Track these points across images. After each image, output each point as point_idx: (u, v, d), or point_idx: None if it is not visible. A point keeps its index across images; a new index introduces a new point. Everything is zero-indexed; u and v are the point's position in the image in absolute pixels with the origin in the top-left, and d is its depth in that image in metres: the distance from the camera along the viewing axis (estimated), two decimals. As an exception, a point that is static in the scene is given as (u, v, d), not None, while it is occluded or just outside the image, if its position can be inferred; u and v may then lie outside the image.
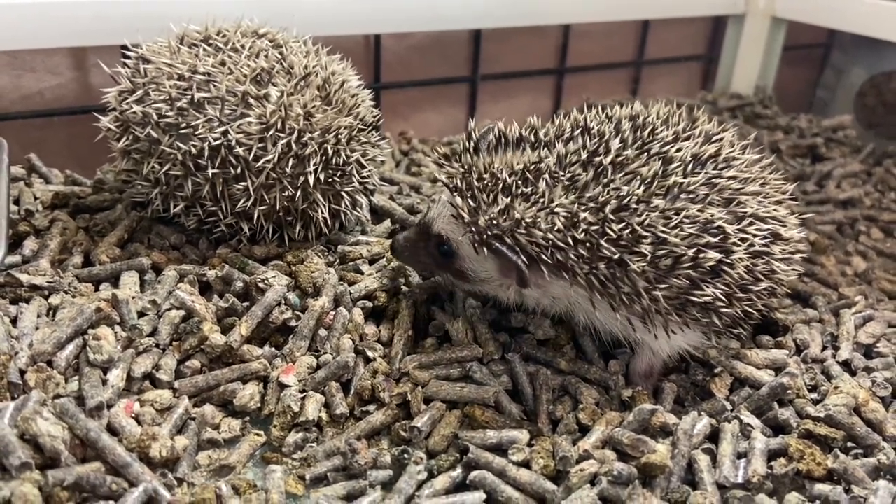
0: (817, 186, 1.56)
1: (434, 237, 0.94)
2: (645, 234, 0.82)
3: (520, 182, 0.86)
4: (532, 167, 0.87)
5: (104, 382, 0.84)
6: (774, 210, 0.96)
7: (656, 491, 0.77)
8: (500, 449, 0.82)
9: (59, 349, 0.87)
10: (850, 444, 0.86)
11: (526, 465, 0.81)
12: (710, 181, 0.88)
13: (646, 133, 0.91)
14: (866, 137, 1.87)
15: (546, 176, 0.86)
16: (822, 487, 0.79)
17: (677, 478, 0.80)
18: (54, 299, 0.95)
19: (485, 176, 0.88)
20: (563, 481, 0.79)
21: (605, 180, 0.85)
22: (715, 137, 0.96)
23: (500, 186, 0.87)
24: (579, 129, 0.92)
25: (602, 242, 0.82)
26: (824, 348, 1.04)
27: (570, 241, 0.83)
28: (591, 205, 0.83)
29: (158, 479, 0.77)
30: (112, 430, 0.81)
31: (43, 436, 0.74)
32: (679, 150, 0.89)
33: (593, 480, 0.78)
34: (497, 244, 0.85)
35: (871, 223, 1.45)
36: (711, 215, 0.86)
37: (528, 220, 0.84)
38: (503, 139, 0.93)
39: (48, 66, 1.35)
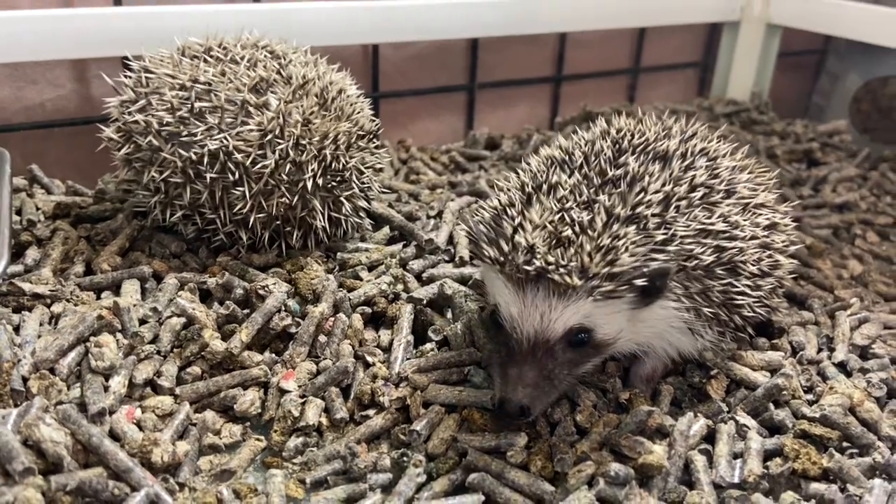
0: (813, 191, 1.57)
1: (560, 338, 0.82)
2: (745, 246, 0.90)
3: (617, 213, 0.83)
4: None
5: (106, 389, 0.85)
6: (765, 196, 0.99)
7: (653, 491, 0.78)
8: (499, 451, 0.83)
9: (61, 356, 0.88)
10: (845, 444, 0.87)
11: (524, 466, 0.82)
12: (715, 175, 0.93)
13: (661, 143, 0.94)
14: (861, 142, 1.88)
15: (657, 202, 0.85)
16: (817, 486, 0.80)
17: (674, 478, 0.81)
18: (56, 307, 0.96)
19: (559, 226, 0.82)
20: (560, 483, 0.80)
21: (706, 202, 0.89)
22: (691, 133, 1.01)
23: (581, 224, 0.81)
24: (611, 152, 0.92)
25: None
26: (820, 350, 1.05)
27: (699, 257, 0.85)
28: (699, 226, 0.87)
29: (160, 483, 0.78)
30: (114, 436, 0.81)
31: (45, 441, 0.75)
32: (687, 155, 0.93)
33: (591, 481, 0.79)
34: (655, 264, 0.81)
35: (866, 227, 1.46)
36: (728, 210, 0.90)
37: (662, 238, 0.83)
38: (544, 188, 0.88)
39: (49, 78, 1.36)
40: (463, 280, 1.08)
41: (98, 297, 1.01)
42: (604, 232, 0.80)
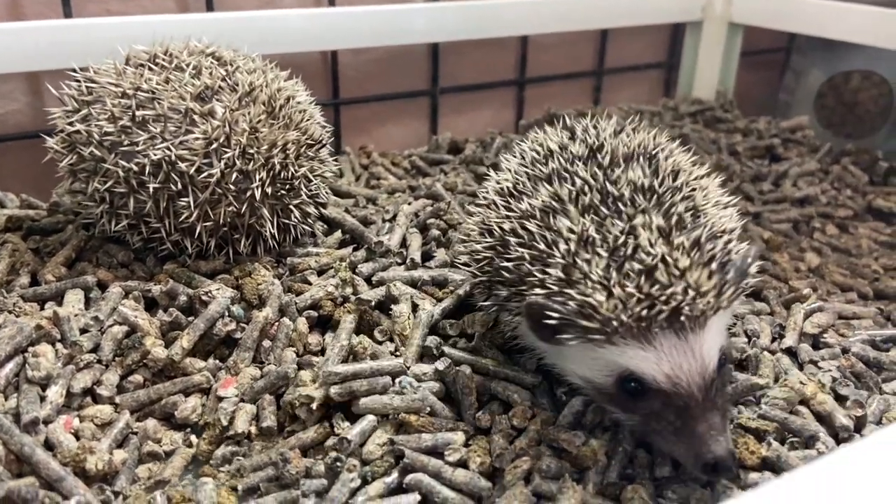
0: (773, 186, 1.58)
1: (717, 369, 0.75)
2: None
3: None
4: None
5: (42, 399, 0.85)
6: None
7: (588, 485, 0.78)
8: (437, 452, 0.82)
9: (-2, 367, 0.87)
10: (791, 437, 0.87)
11: (463, 464, 0.81)
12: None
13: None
14: (825, 138, 1.89)
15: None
16: (753, 476, 0.80)
17: (616, 473, 0.81)
18: (-2, 319, 0.96)
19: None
20: (498, 479, 0.79)
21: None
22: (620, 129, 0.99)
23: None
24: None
25: None
26: (773, 339, 1.05)
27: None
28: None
29: (95, 492, 0.77)
30: (49, 446, 0.81)
31: (-24, 452, 0.75)
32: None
33: (528, 477, 0.79)
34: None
35: (826, 220, 1.46)
36: None
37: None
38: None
39: (3, 92, 1.36)
40: (413, 283, 1.08)
41: (42, 308, 1.00)
42: (686, 247, 0.75)
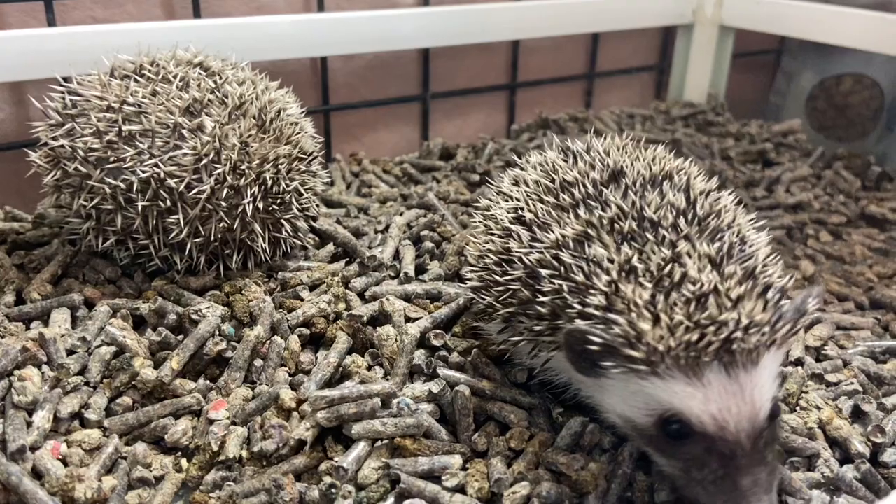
0: (767, 192, 1.57)
1: (769, 417, 0.70)
2: None
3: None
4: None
5: (29, 424, 0.83)
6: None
7: (589, 510, 0.76)
8: (433, 476, 0.81)
9: (-17, 392, 0.85)
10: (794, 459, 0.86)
11: (461, 489, 0.80)
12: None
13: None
14: (817, 141, 1.89)
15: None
16: (756, 499, 0.79)
17: (616, 497, 0.79)
18: (-18, 341, 0.94)
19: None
20: (496, 505, 0.78)
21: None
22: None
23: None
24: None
25: None
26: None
27: None
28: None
29: (84, 522, 0.75)
30: (37, 474, 0.79)
31: (-40, 483, 0.73)
32: None
33: (527, 503, 0.77)
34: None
35: (819, 226, 1.46)
36: None
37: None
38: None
39: (-14, 102, 1.33)
40: (406, 297, 1.06)
41: (27, 328, 0.98)
42: (738, 277, 0.71)
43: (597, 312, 0.72)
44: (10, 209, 1.29)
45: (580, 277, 0.76)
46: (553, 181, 0.89)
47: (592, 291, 0.74)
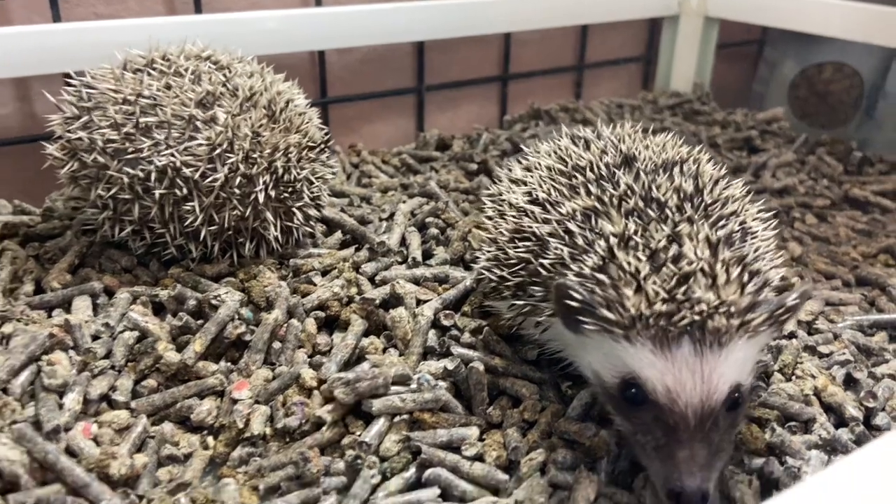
0: (753, 177, 1.62)
1: (724, 401, 0.72)
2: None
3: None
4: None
5: (60, 406, 0.86)
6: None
7: (601, 474, 0.81)
8: (452, 447, 0.85)
9: (13, 376, 0.87)
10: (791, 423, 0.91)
11: (479, 458, 0.84)
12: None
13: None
14: (799, 128, 1.95)
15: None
16: (758, 461, 0.84)
17: (627, 462, 0.84)
18: (7, 328, 0.96)
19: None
20: (514, 471, 0.82)
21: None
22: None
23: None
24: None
25: None
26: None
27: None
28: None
29: (120, 497, 0.78)
30: (71, 453, 0.82)
31: (2, 461, 0.75)
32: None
33: (543, 468, 0.82)
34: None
35: (805, 210, 1.51)
36: None
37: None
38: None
39: (-9, 98, 1.35)
40: (415, 280, 1.10)
41: (49, 316, 1.00)
42: (729, 263, 0.73)
43: (589, 273, 0.77)
44: (18, 203, 1.31)
45: (581, 242, 0.80)
46: (566, 165, 0.94)
47: (590, 255, 0.78)
